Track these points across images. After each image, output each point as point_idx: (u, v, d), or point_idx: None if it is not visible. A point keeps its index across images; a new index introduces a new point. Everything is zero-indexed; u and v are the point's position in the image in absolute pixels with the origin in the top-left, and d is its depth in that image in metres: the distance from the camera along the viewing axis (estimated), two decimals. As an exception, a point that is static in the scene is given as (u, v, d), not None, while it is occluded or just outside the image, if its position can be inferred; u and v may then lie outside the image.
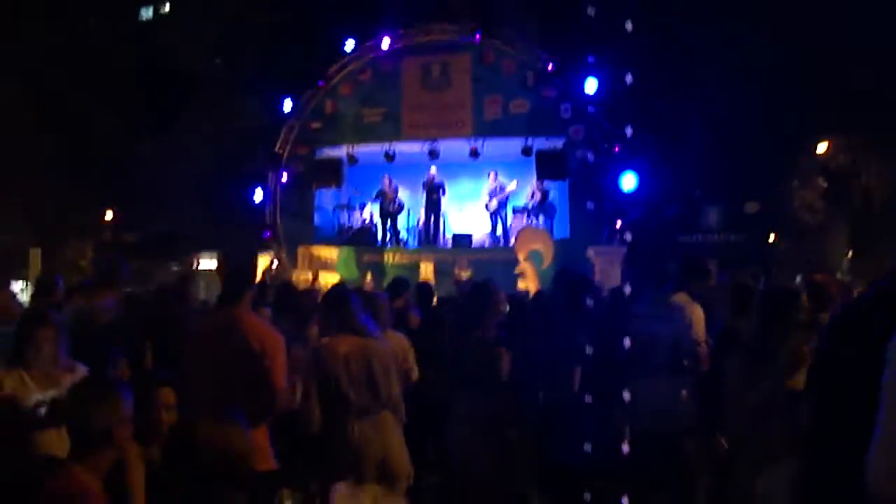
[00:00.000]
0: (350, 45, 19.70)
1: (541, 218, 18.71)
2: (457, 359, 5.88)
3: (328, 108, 19.76)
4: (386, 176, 19.27)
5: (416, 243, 19.58)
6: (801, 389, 4.27)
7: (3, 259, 19.55)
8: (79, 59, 20.53)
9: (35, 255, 20.20)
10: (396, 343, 6.35)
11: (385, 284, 11.40)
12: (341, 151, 19.68)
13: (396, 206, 19.35)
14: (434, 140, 18.94)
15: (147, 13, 25.73)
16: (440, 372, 6.21)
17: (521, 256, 16.82)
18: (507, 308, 6.48)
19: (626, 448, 5.11)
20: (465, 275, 15.61)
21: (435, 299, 9.21)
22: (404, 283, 8.72)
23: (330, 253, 18.55)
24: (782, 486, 4.24)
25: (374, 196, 19.52)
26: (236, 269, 5.52)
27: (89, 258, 21.69)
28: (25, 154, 19.48)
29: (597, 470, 5.29)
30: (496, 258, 17.55)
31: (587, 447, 5.22)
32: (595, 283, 8.92)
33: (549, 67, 18.55)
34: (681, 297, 6.01)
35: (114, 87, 20.91)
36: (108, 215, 24.49)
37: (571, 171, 18.22)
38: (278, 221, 19.83)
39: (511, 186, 18.84)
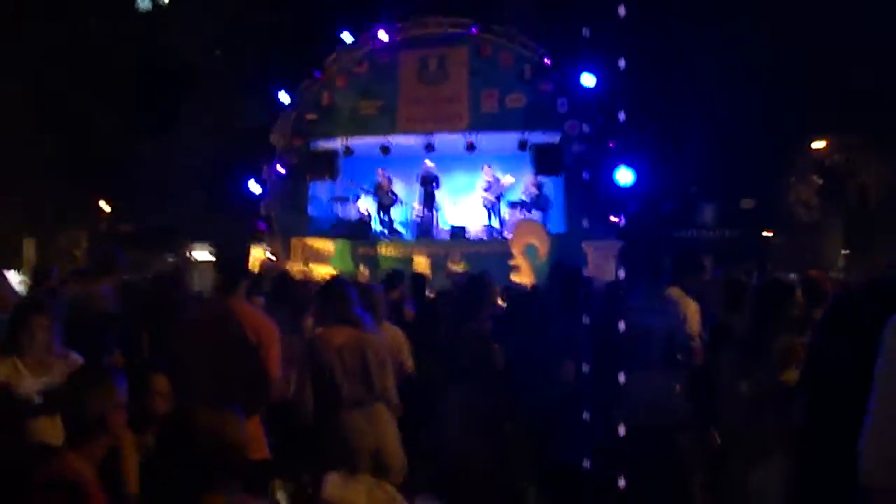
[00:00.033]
0: (347, 37, 19.66)
1: (536, 212, 18.70)
2: (452, 351, 5.88)
3: (324, 100, 19.72)
4: (380, 170, 19.26)
5: (411, 236, 19.57)
6: (795, 384, 4.29)
7: (-2, 249, 19.53)
8: (79, 56, 20.46)
9: (29, 245, 20.17)
10: (391, 335, 6.36)
11: (379, 277, 11.41)
12: (337, 143, 19.65)
13: (391, 198, 19.33)
14: (430, 133, 18.91)
15: (145, 4, 25.64)
16: (435, 364, 6.22)
17: (516, 250, 16.83)
18: (502, 301, 6.49)
19: (619, 442, 5.12)
20: (458, 268, 15.63)
21: (431, 293, 9.23)
22: (399, 276, 8.74)
23: (324, 245, 18.54)
24: (775, 480, 4.26)
25: (368, 188, 19.49)
26: (231, 259, 5.51)
27: (84, 248, 21.62)
28: (22, 147, 19.42)
29: (591, 463, 5.30)
30: (491, 251, 17.56)
31: (581, 441, 5.24)
32: (589, 277, 8.92)
33: (546, 62, 18.53)
34: (675, 292, 6.01)
35: (112, 78, 20.84)
36: (104, 206, 24.45)
37: (567, 165, 18.23)
38: (273, 213, 19.79)
39: (508, 180, 18.85)
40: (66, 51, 20.47)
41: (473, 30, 18.86)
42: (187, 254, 22.13)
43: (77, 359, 4.83)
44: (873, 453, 2.38)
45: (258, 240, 19.13)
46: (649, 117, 17.46)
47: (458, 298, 6.57)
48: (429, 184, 19.07)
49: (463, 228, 18.92)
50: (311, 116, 19.76)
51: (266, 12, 21.94)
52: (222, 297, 5.35)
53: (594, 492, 5.29)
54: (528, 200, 18.77)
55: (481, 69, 18.90)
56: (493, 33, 18.92)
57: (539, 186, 18.72)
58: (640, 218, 18.16)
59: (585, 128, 18.14)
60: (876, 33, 17.75)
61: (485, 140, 18.88)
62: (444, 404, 5.87)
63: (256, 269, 15.59)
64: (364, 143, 19.43)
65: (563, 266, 6.79)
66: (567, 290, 6.12)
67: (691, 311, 5.92)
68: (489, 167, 18.97)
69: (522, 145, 18.71)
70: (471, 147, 18.88)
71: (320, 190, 20.19)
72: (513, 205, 19.03)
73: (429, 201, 19.23)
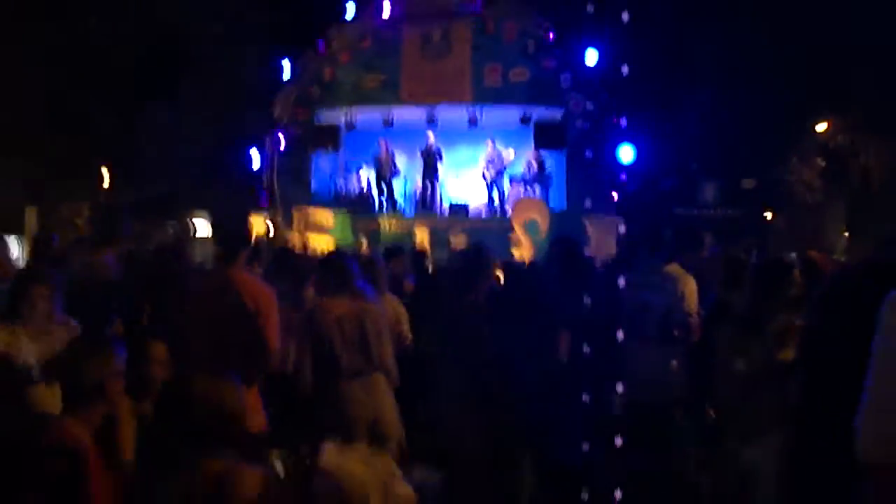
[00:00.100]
0: (351, 10, 19.57)
1: (537, 188, 18.68)
2: (449, 323, 5.89)
3: (327, 73, 19.61)
4: (382, 141, 19.21)
5: (412, 210, 19.55)
6: (791, 362, 4.31)
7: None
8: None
9: (31, 213, 20.16)
10: (392, 307, 6.40)
11: (380, 250, 11.42)
12: (339, 116, 19.60)
13: (392, 171, 19.29)
14: (433, 106, 18.86)
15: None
16: (433, 336, 6.24)
17: (517, 225, 16.81)
18: (501, 275, 6.51)
19: (615, 417, 5.15)
20: (459, 242, 15.62)
21: (431, 267, 9.25)
22: (399, 250, 8.78)
23: (325, 217, 18.51)
24: (770, 457, 4.28)
25: (370, 161, 19.46)
26: (231, 229, 5.50)
27: (85, 217, 21.61)
28: (24, 115, 19.40)
29: (586, 438, 5.32)
30: (492, 227, 17.53)
31: (576, 416, 5.26)
32: (588, 253, 8.93)
33: (550, 37, 18.46)
34: (674, 269, 6.02)
35: (114, 51, 20.79)
36: (106, 176, 24.42)
37: (570, 141, 18.19)
38: (275, 184, 19.75)
39: (509, 155, 18.82)
40: (67, 31, 20.39)
41: (477, 3, 18.77)
42: (188, 223, 22.13)
43: (77, 327, 4.85)
44: (870, 430, 2.39)
45: (260, 210, 19.11)
46: (652, 95, 17.42)
47: (456, 271, 6.58)
48: (431, 157, 19.02)
49: (464, 206, 18.90)
50: (314, 89, 19.68)
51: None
52: (222, 267, 5.35)
53: (589, 467, 5.31)
54: (529, 176, 18.75)
55: (485, 43, 18.80)
56: (496, 8, 18.83)
57: (541, 162, 18.69)
58: (641, 195, 18.15)
59: (588, 104, 18.07)
60: (878, 19, 17.69)
61: (487, 115, 18.83)
62: (441, 376, 5.89)
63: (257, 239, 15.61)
64: (367, 116, 19.38)
65: (563, 241, 6.78)
66: (566, 265, 6.13)
67: (689, 287, 5.93)
68: (493, 142, 18.93)
69: (525, 120, 18.67)
70: (473, 122, 18.84)
71: (322, 162, 20.15)
72: (514, 180, 19.00)
73: (430, 175, 19.19)
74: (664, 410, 5.71)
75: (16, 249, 12.09)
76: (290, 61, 19.70)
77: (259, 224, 18.06)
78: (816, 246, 16.27)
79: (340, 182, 20.12)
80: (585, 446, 5.28)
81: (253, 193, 19.48)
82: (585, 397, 5.32)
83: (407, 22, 19.32)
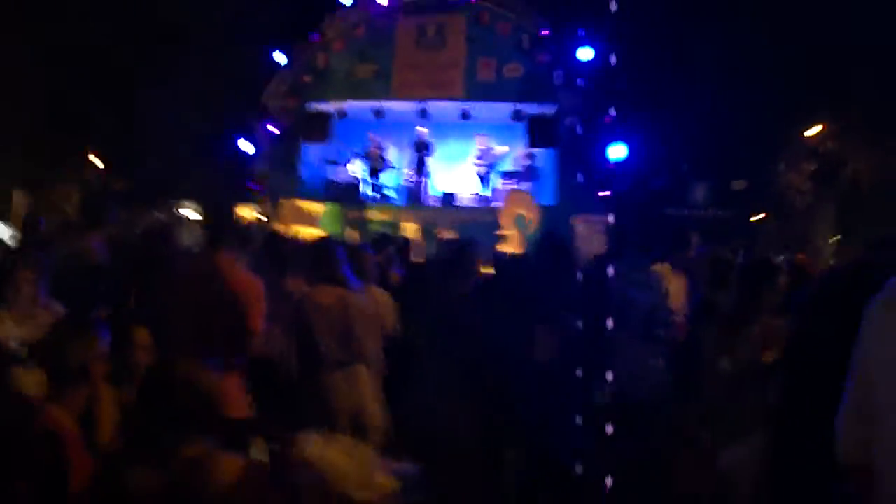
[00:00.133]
0: (346, -1, 19.53)
1: (526, 183, 18.66)
2: (437, 314, 5.88)
3: (320, 62, 19.53)
4: (372, 136, 19.16)
5: (401, 202, 19.51)
6: (773, 363, 4.32)
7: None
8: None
9: (19, 196, 20.07)
10: (378, 298, 6.38)
11: (368, 241, 11.40)
12: (331, 106, 19.55)
13: (382, 163, 19.25)
14: (425, 100, 18.82)
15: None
16: (420, 327, 6.23)
17: (506, 220, 16.81)
18: (490, 268, 6.50)
19: (598, 414, 5.15)
20: (448, 235, 15.60)
21: (421, 258, 9.25)
22: (386, 239, 8.78)
23: (314, 207, 18.46)
24: (748, 458, 4.30)
25: (359, 152, 19.40)
26: (218, 216, 5.49)
27: (74, 202, 21.51)
28: (13, 99, 19.30)
29: (570, 435, 5.33)
30: (481, 219, 17.50)
31: (560, 411, 5.27)
32: (575, 249, 8.93)
33: (545, 33, 18.43)
34: (661, 267, 6.03)
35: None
36: (97, 162, 24.32)
37: (561, 138, 18.17)
38: (264, 173, 19.67)
39: (501, 150, 18.81)
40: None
41: (474, -4, 18.74)
42: (176, 210, 22.04)
43: (61, 311, 4.83)
44: (850, 432, 2.41)
45: (248, 199, 19.02)
46: (645, 94, 17.42)
47: (443, 261, 6.57)
48: (421, 150, 18.99)
49: (453, 195, 18.87)
50: (306, 78, 19.60)
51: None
52: (209, 252, 5.34)
53: (573, 462, 5.32)
54: (519, 171, 18.75)
55: (479, 37, 18.75)
56: (492, 2, 18.79)
57: (531, 158, 18.69)
58: (631, 194, 18.16)
59: (581, 102, 18.06)
60: (874, 20, 17.72)
61: (480, 109, 18.80)
62: (428, 367, 5.88)
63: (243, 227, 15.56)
64: (358, 106, 19.33)
65: (551, 235, 6.78)
66: (554, 259, 6.13)
67: (675, 286, 5.95)
68: (484, 136, 18.90)
69: (517, 115, 18.66)
70: (466, 115, 18.82)
71: (312, 152, 20.08)
72: (504, 175, 18.99)
73: (420, 168, 19.16)
74: (647, 408, 5.71)
75: (3, 233, 12.04)
76: (283, 49, 19.61)
77: (247, 214, 18.01)
78: (805, 249, 16.33)
79: (330, 172, 20.05)
80: (572, 438, 5.30)
81: (243, 182, 19.40)
82: (569, 392, 5.33)
83: (402, 13, 19.26)
